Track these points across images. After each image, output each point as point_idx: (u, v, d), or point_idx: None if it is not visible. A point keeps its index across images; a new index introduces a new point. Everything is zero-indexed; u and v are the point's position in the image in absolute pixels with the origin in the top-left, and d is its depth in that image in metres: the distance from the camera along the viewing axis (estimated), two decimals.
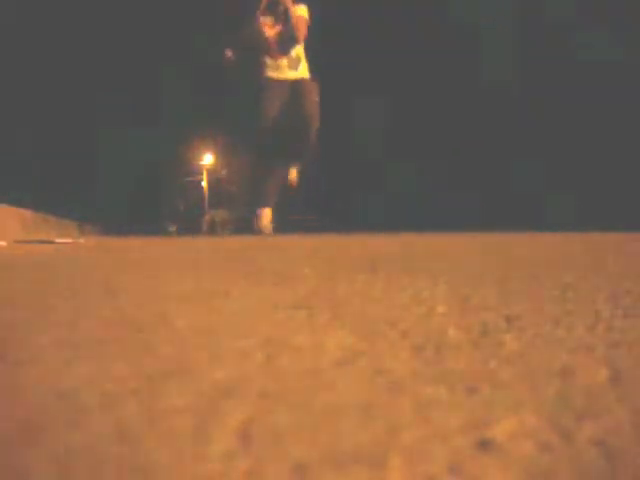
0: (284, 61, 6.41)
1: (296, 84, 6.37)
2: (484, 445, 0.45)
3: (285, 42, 6.37)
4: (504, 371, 0.65)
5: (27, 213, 15.25)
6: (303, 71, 6.47)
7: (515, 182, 12.33)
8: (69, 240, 8.92)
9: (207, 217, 31.91)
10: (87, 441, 0.47)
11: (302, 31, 6.32)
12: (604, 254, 2.70)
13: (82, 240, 9.20)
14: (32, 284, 1.81)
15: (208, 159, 38.61)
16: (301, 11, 6.31)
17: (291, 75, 6.40)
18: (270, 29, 6.36)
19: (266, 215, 6.54)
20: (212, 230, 29.34)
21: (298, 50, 6.43)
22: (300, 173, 6.65)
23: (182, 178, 39.74)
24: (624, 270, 1.86)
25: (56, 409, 0.55)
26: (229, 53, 6.47)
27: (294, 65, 6.42)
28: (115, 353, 0.77)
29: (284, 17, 6.30)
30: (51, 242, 7.67)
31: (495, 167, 12.84)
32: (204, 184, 38.22)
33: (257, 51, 6.44)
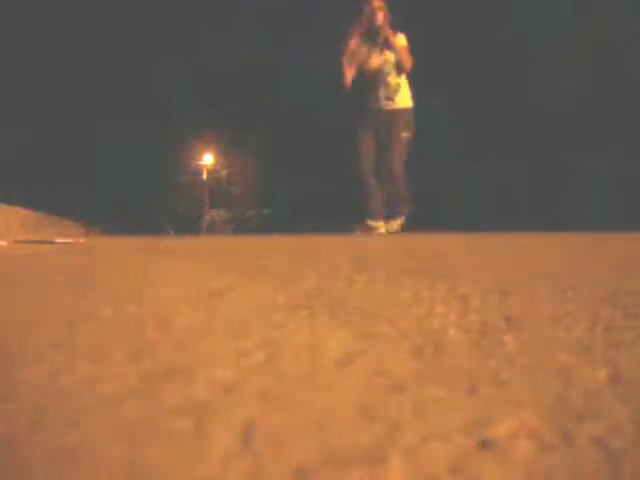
0: (382, 91, 6.39)
1: (390, 117, 6.35)
2: (484, 445, 0.45)
3: (388, 72, 6.36)
4: (504, 371, 0.65)
5: (27, 213, 15.25)
6: (401, 100, 6.43)
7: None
8: (69, 240, 8.92)
9: (207, 217, 31.94)
10: (87, 441, 0.47)
11: (407, 61, 6.30)
12: (604, 254, 2.70)
13: (82, 240, 9.20)
14: (32, 284, 1.81)
15: (208, 159, 38.60)
16: (402, 40, 6.32)
17: (387, 106, 6.39)
18: (374, 59, 6.36)
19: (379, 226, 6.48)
20: (212, 230, 29.36)
21: (399, 79, 6.40)
22: (403, 228, 6.48)
23: (182, 178, 39.76)
24: (624, 270, 1.86)
25: (56, 409, 0.55)
26: (349, 76, 6.39)
27: (391, 95, 6.40)
28: (115, 353, 0.77)
29: (386, 47, 6.29)
30: (51, 242, 7.66)
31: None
32: (204, 184, 38.21)
33: (361, 78, 6.42)
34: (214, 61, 32.58)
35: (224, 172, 36.97)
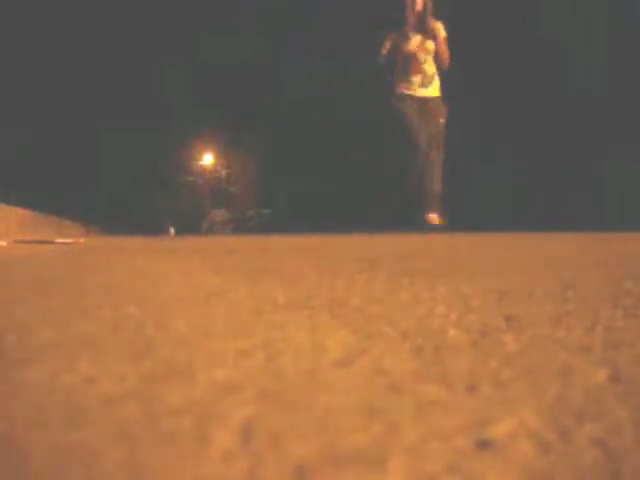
0: (418, 78, 6.32)
1: (424, 104, 6.28)
2: (484, 445, 0.45)
3: (424, 60, 6.30)
4: (504, 371, 0.65)
5: (27, 213, 15.25)
6: (434, 89, 6.37)
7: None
8: (69, 240, 8.92)
9: (207, 217, 31.95)
10: (87, 441, 0.47)
11: (447, 57, 6.27)
12: (604, 254, 2.70)
13: (82, 240, 9.21)
14: (32, 284, 1.81)
15: (208, 159, 38.60)
16: (442, 31, 6.30)
17: (420, 93, 6.31)
18: (412, 44, 6.29)
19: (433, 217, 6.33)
20: (212, 230, 29.36)
21: (433, 68, 6.36)
22: (444, 217, 6.24)
23: (182, 178, 39.74)
24: (624, 270, 1.85)
25: (56, 409, 0.55)
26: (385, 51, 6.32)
27: (426, 83, 6.33)
28: (115, 353, 0.77)
29: (429, 35, 6.24)
30: (51, 242, 7.67)
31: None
32: (204, 184, 38.20)
33: (394, 65, 6.36)
34: (214, 61, 32.59)
35: (224, 172, 36.97)
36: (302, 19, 25.40)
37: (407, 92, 6.34)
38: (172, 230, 37.41)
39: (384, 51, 6.35)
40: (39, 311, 1.18)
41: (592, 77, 12.80)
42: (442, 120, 6.31)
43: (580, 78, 13.01)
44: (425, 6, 6.27)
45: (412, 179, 6.23)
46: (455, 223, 6.76)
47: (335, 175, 22.39)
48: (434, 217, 6.20)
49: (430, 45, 6.31)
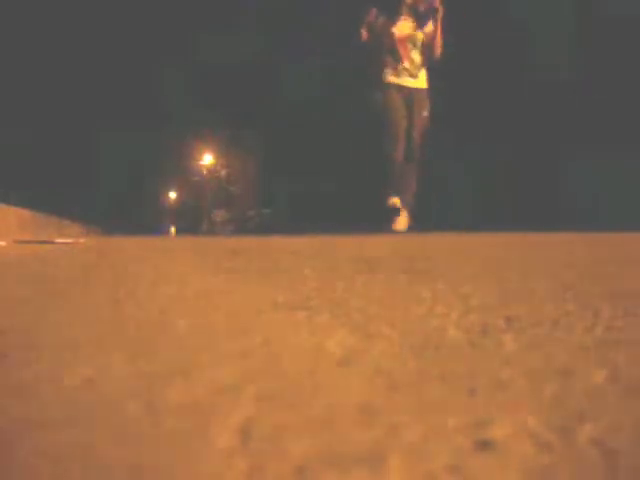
0: (405, 65, 6.17)
1: (410, 95, 6.14)
2: (484, 445, 0.45)
3: (412, 48, 6.16)
4: (504, 371, 0.65)
5: (27, 213, 15.24)
6: (421, 80, 6.24)
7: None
8: (69, 240, 8.92)
9: (208, 217, 31.96)
10: (87, 441, 0.47)
11: (440, 43, 6.14)
12: (604, 254, 2.70)
13: (82, 240, 9.20)
14: (32, 284, 1.81)
15: (208, 159, 38.60)
16: (430, 25, 6.14)
17: (408, 83, 6.17)
18: (403, 28, 6.11)
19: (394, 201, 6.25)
20: (212, 230, 29.38)
21: (420, 58, 6.22)
22: (410, 220, 6.12)
23: (182, 178, 39.73)
24: (624, 270, 1.85)
25: (56, 409, 0.55)
26: (365, 34, 6.10)
27: (415, 72, 6.19)
28: (115, 353, 0.77)
29: (423, 24, 6.10)
30: (51, 242, 7.67)
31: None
32: (204, 184, 38.20)
33: (381, 49, 6.17)
34: (214, 61, 32.60)
35: (224, 172, 36.94)
36: (302, 19, 25.37)
37: (395, 81, 6.23)
38: (172, 230, 37.42)
39: (365, 32, 6.18)
40: (39, 311, 1.18)
41: (586, 77, 12.82)
42: (426, 114, 6.23)
43: (573, 79, 13.03)
44: None
45: (390, 173, 6.12)
46: (442, 223, 6.72)
47: (335, 175, 22.38)
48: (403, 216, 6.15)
49: (419, 35, 6.21)
